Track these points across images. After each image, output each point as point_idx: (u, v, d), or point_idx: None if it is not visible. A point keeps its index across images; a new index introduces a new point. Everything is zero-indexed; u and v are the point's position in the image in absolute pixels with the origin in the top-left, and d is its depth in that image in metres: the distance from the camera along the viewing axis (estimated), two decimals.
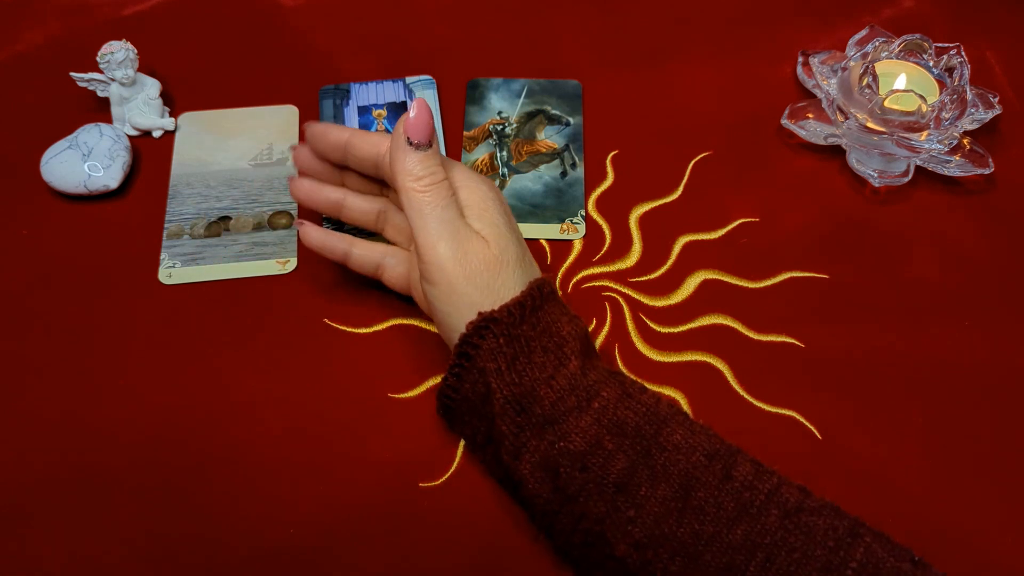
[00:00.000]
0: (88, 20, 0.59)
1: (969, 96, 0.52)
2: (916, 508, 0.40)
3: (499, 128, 0.54)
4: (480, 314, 0.37)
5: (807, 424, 0.43)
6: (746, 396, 0.44)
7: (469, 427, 0.39)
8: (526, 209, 0.50)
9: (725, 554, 0.33)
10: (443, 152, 0.52)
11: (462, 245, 0.38)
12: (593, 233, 0.50)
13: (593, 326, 0.46)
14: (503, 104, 0.55)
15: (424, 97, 0.55)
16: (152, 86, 0.54)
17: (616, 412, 0.35)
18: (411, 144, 0.39)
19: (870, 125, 0.50)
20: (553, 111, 0.55)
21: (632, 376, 0.41)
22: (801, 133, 0.52)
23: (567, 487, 0.35)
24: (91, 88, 0.53)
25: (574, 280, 0.48)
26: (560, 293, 0.43)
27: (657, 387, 0.44)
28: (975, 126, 0.52)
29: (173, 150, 0.53)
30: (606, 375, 0.37)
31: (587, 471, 0.35)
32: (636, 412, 0.35)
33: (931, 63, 0.53)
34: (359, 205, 0.45)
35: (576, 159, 0.52)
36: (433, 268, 0.38)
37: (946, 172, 0.50)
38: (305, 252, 0.49)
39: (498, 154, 0.53)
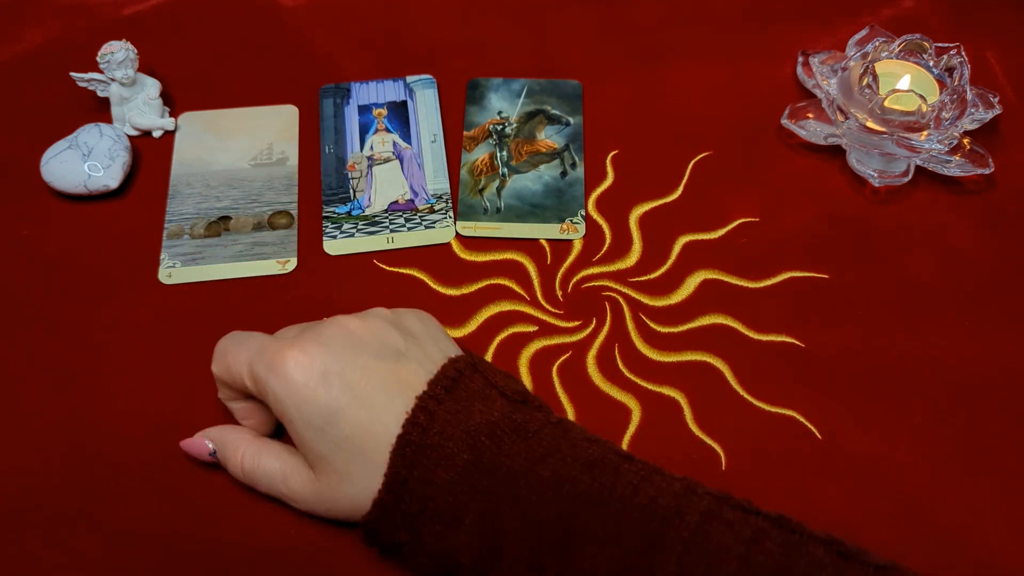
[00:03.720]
0: (88, 20, 0.59)
1: (969, 96, 0.51)
2: (916, 508, 0.40)
3: (499, 128, 0.54)
4: (364, 516, 0.36)
5: (807, 424, 0.43)
6: (746, 396, 0.44)
7: None
8: (526, 209, 0.50)
9: None
10: (443, 153, 0.52)
11: (311, 484, 0.38)
12: (593, 233, 0.50)
13: (593, 326, 0.46)
14: (503, 104, 0.55)
15: (424, 96, 0.55)
16: (152, 86, 0.54)
17: (526, 558, 0.34)
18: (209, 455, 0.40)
19: (870, 125, 0.50)
20: (553, 111, 0.55)
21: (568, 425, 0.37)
22: (801, 133, 0.52)
23: None
24: (91, 88, 0.53)
25: (574, 280, 0.48)
26: (490, 359, 0.39)
27: (657, 387, 0.44)
28: (975, 126, 0.52)
29: (173, 150, 0.53)
30: (510, 498, 0.34)
31: None
32: (547, 548, 0.33)
33: (931, 63, 0.53)
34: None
35: (576, 159, 0.52)
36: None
37: (946, 172, 0.50)
38: (305, 252, 0.49)
39: (498, 154, 0.53)
